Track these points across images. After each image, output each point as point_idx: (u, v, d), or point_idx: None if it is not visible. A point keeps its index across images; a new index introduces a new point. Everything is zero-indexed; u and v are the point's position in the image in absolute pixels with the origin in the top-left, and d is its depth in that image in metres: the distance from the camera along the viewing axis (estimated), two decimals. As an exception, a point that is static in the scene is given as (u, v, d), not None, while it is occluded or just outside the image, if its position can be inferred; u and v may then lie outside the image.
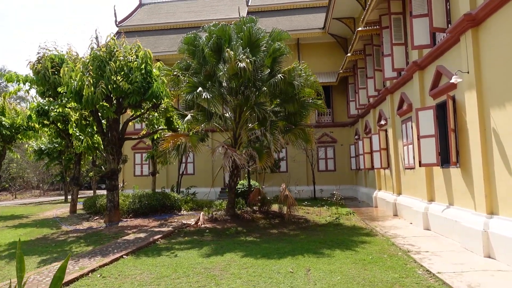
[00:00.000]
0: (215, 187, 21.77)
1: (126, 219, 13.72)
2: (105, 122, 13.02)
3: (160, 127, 14.68)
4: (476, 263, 6.40)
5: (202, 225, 11.64)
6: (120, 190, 14.32)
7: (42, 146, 24.15)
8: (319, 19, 23.29)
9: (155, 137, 15.97)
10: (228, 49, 10.71)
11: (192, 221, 12.48)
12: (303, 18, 24.04)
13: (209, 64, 11.88)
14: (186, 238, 9.89)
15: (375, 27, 13.40)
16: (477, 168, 7.21)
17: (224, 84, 12.18)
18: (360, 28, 13.84)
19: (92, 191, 37.22)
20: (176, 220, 13.19)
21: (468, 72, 7.27)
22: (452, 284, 5.38)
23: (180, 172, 20.22)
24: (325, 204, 16.16)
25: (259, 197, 13.72)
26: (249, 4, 25.64)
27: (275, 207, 13.97)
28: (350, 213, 13.54)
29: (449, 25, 8.35)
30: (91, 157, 23.77)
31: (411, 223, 10.90)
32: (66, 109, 12.83)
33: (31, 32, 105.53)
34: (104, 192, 33.73)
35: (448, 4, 8.46)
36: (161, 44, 24.72)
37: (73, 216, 16.29)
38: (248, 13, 24.88)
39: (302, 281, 5.84)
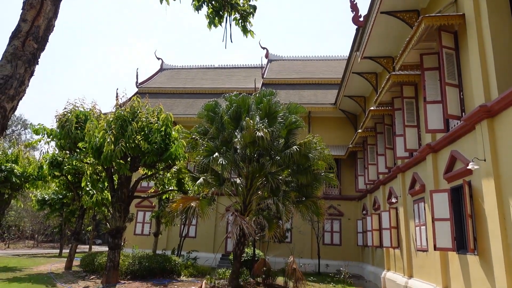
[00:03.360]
0: (216, 253, 21.07)
1: (124, 281, 13.14)
2: (117, 179, 13.12)
3: (170, 188, 14.70)
4: None
5: (204, 295, 11.09)
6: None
7: (45, 196, 24.02)
8: (329, 94, 24.40)
9: (163, 197, 15.91)
10: (248, 118, 11.14)
11: (193, 289, 11.93)
12: (313, 93, 25.21)
13: (226, 131, 12.27)
14: (188, 308, 9.39)
15: (387, 108, 13.96)
16: (497, 257, 7.03)
17: (239, 151, 12.45)
18: (372, 108, 14.42)
19: (87, 246, 36.09)
20: (176, 286, 12.61)
21: (485, 160, 7.43)
22: None
23: (183, 235, 19.75)
24: (331, 281, 15.47)
25: (264, 268, 13.22)
26: (264, 77, 27.09)
27: (279, 280, 13.39)
28: (358, 294, 12.90)
29: (463, 113, 8.72)
30: (92, 212, 23.47)
31: (425, 311, 10.32)
32: (82, 163, 13.02)
33: (48, 81, 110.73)
34: (100, 248, 32.69)
35: (461, 93, 8.93)
36: (177, 106, 25.73)
37: (68, 273, 15.65)
38: (263, 84, 26.19)
39: None
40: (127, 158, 12.21)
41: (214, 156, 11.05)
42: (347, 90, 19.53)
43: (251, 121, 10.95)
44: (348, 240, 21.83)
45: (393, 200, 13.98)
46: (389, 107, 13.86)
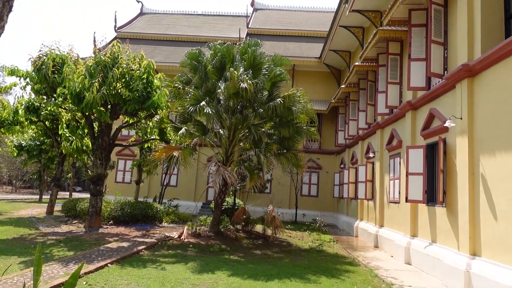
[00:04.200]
0: (197, 202, 21.61)
1: (106, 226, 13.47)
2: (97, 126, 12.94)
3: (152, 137, 14.65)
4: (457, 302, 6.64)
5: (186, 240, 11.55)
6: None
7: (22, 142, 23.56)
8: (314, 48, 24.05)
9: (145, 146, 15.89)
10: (232, 69, 10.97)
11: (175, 234, 12.37)
12: (298, 46, 24.76)
13: (210, 81, 12.09)
14: (170, 251, 9.81)
15: (372, 64, 13.98)
16: (463, 210, 7.55)
17: (222, 102, 12.37)
18: (357, 63, 14.40)
19: (67, 193, 36.22)
20: (158, 231, 13.04)
21: (461, 118, 7.71)
22: (436, 320, 5.57)
23: (164, 184, 20.04)
24: (307, 229, 16.30)
25: (244, 216, 13.76)
26: (249, 26, 26.25)
27: (258, 228, 14.01)
28: (332, 241, 13.71)
29: (446, 72, 8.87)
30: (72, 159, 23.28)
31: (392, 256, 11.14)
32: (60, 109, 12.69)
33: (25, 31, 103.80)
34: (80, 195, 32.91)
35: (445, 52, 9.02)
36: (158, 54, 24.87)
37: (50, 217, 15.85)
38: (248, 34, 25.43)
39: (291, 305, 5.91)
40: (108, 105, 11.97)
41: (201, 105, 10.96)
42: (333, 44, 19.28)
43: (235, 71, 10.79)
44: (325, 192, 22.75)
45: (371, 155, 14.46)
46: (374, 63, 13.88)
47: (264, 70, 12.06)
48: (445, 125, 8.06)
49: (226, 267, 8.28)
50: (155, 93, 11.64)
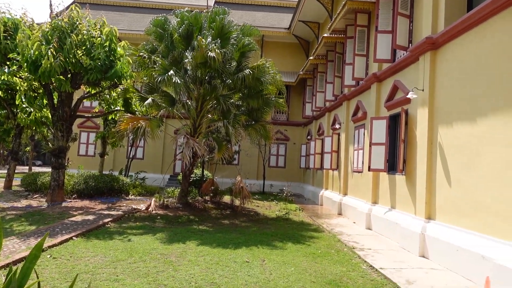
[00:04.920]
0: (164, 174, 21.43)
1: (70, 200, 13.12)
2: (57, 97, 12.30)
3: (117, 108, 14.15)
4: (413, 261, 7.13)
5: (153, 211, 11.52)
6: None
7: (-26, 114, 22.03)
8: (282, 19, 23.76)
9: (109, 118, 15.35)
10: (200, 37, 10.65)
11: (142, 207, 12.27)
12: (267, 16, 24.36)
13: (176, 50, 11.70)
14: (138, 223, 9.75)
15: (340, 35, 14.04)
16: (421, 177, 7.98)
17: (189, 72, 12.07)
18: (325, 34, 14.41)
19: (26, 167, 34.70)
20: (124, 204, 12.88)
21: (423, 90, 7.99)
22: (393, 278, 5.97)
23: (130, 156, 19.63)
24: (274, 199, 16.69)
25: (212, 187, 13.83)
26: (217, -6, 25.38)
27: (226, 199, 14.17)
28: (298, 209, 14.14)
29: (410, 44, 9.08)
30: (31, 132, 22.16)
31: (354, 222, 11.70)
32: (14, 78, 11.90)
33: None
34: (40, 169, 31.61)
35: (411, 24, 9.19)
36: (121, 21, 23.65)
37: (8, 192, 15.18)
38: (216, 2, 24.62)
39: (258, 270, 6.11)
40: (68, 74, 11.35)
41: (168, 74, 10.63)
42: (302, 14, 19.10)
43: (203, 40, 10.49)
44: (292, 163, 23.22)
45: (337, 126, 14.79)
46: (342, 35, 13.95)
47: (233, 40, 11.80)
48: (407, 96, 8.34)
49: (194, 237, 8.38)
50: (118, 62, 11.13)
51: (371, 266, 6.73)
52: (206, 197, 14.07)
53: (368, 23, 12.08)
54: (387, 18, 9.87)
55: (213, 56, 10.26)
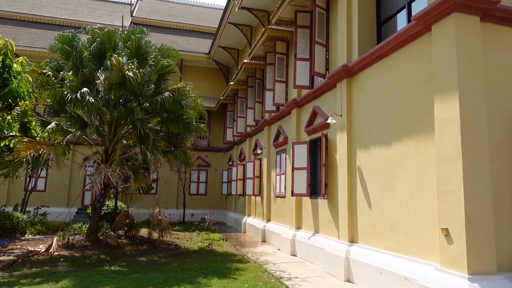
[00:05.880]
0: (70, 208, 19.11)
1: None
2: None
3: (12, 133, 12.24)
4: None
5: (56, 253, 9.94)
6: None
7: None
8: (203, 44, 23.70)
9: (1, 144, 13.22)
10: (115, 55, 9.81)
11: (41, 248, 10.54)
12: (187, 40, 24.10)
13: (87, 70, 10.64)
14: (34, 269, 8.25)
15: (260, 62, 14.28)
16: (342, 200, 8.12)
17: (101, 94, 11.04)
18: (246, 60, 14.55)
19: None
20: (18, 246, 10.97)
21: (341, 115, 8.28)
22: (323, 309, 5.76)
23: (29, 188, 17.15)
24: (195, 229, 15.83)
25: (127, 220, 12.58)
26: (134, 15, 24.43)
27: (143, 232, 13.00)
28: (222, 239, 13.56)
29: (328, 72, 9.47)
30: None
31: (279, 249, 11.51)
32: None
33: None
34: None
35: (327, 53, 9.62)
36: (20, 37, 21.22)
37: None
38: (132, 24, 23.62)
39: (180, 315, 5.42)
40: None
41: (82, 91, 9.49)
42: (222, 40, 19.20)
43: (119, 58, 9.67)
44: (214, 189, 22.64)
45: (258, 151, 14.78)
46: (262, 61, 14.20)
47: (151, 61, 11.15)
48: (327, 121, 8.57)
49: (106, 281, 7.30)
50: (14, 79, 9.66)
51: (300, 296, 6.47)
52: (120, 231, 12.73)
53: (287, 50, 12.47)
54: (305, 47, 10.24)
55: (131, 76, 9.49)
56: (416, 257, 5.90)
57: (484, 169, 5.11)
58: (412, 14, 6.39)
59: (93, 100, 9.51)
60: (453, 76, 5.26)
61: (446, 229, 5.16)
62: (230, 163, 20.80)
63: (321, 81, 9.83)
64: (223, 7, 26.51)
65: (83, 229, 12.22)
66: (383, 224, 6.82)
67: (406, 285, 5.80)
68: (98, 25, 11.68)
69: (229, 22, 16.86)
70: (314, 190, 9.92)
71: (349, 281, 7.47)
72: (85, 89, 9.63)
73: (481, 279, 4.77)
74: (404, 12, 7.33)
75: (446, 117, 5.33)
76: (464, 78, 5.21)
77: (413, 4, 7.08)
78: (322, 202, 9.42)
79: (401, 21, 7.45)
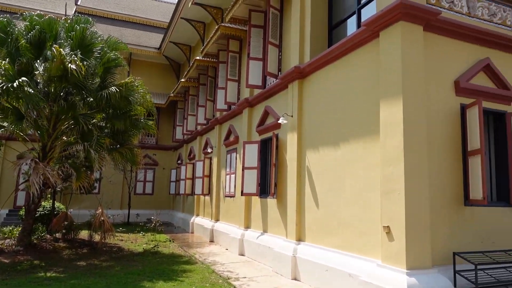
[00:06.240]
0: (1, 209, 17.48)
1: None
2: None
3: None
4: (286, 286, 7.13)
5: (-20, 258, 9.01)
6: None
7: None
8: (153, 38, 22.90)
9: None
10: (56, 45, 9.09)
11: (-37, 253, 9.51)
12: (136, 34, 23.14)
13: (24, 59, 9.76)
14: (-47, 278, 7.40)
15: (212, 59, 14.09)
16: (291, 200, 8.23)
17: (40, 86, 10.19)
18: (198, 57, 14.28)
19: None
20: None
21: (292, 116, 8.38)
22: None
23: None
24: (141, 230, 15.22)
25: (65, 222, 11.74)
26: (79, 4, 22.98)
27: (84, 234, 12.24)
28: (168, 240, 13.17)
29: (280, 72, 9.55)
30: None
31: (227, 249, 11.41)
32: None
33: None
34: None
35: (280, 54, 9.71)
36: None
37: None
38: (77, 13, 22.19)
39: (122, 320, 5.13)
40: None
41: (20, 80, 8.63)
42: (173, 36, 18.67)
43: (61, 49, 8.96)
44: (161, 189, 21.98)
45: (209, 150, 14.57)
46: (215, 59, 14.02)
47: (96, 54, 10.44)
48: (278, 121, 8.64)
49: (39, 288, 6.73)
50: None
51: (248, 296, 6.43)
52: (58, 234, 11.87)
53: (240, 49, 12.41)
54: (258, 46, 10.25)
55: (74, 68, 8.84)
56: (361, 254, 6.11)
57: (423, 170, 5.42)
58: (362, 20, 6.63)
59: (32, 91, 8.73)
60: (397, 81, 5.52)
61: (388, 226, 5.40)
62: (179, 162, 20.31)
63: (273, 81, 9.89)
64: (176, 1, 25.92)
65: (15, 232, 11.24)
66: (330, 222, 7.00)
67: (350, 281, 5.98)
68: (38, 11, 10.80)
69: (181, 18, 16.44)
70: (264, 190, 9.95)
71: (295, 279, 7.57)
72: (23, 78, 8.82)
73: (418, 274, 5.04)
74: (354, 18, 7.59)
75: (390, 121, 5.58)
76: (408, 84, 5.49)
77: (362, 11, 7.35)
78: (271, 202, 9.48)
79: (351, 26, 7.71)
